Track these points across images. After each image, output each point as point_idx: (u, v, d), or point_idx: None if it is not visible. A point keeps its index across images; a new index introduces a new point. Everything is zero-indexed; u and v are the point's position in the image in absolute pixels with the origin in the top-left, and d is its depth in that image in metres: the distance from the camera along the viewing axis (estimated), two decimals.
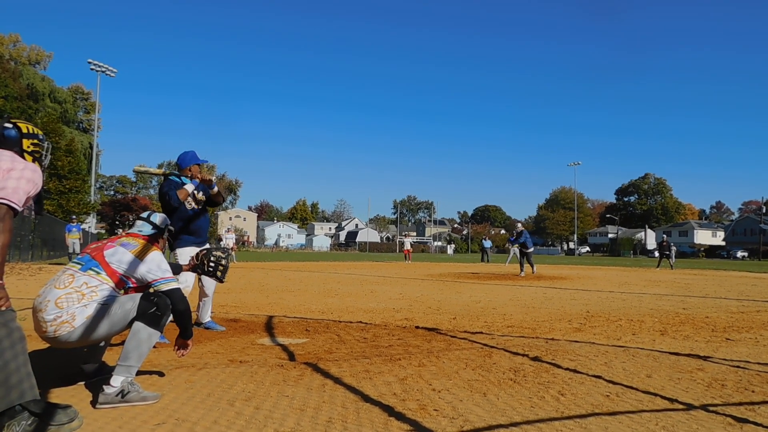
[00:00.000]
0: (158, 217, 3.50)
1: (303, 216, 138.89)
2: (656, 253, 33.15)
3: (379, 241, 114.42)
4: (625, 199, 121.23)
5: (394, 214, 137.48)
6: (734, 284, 14.71)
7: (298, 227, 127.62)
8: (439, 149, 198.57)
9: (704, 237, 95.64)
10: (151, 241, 3.33)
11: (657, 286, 13.26)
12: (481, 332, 5.71)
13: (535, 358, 4.33)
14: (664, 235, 34.09)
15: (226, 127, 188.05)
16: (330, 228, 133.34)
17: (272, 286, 11.57)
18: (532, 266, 17.46)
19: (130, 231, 3.40)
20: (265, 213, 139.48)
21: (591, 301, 9.37)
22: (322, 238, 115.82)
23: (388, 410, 2.90)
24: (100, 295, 2.96)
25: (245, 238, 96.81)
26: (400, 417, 2.79)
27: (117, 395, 2.88)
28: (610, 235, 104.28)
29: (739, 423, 2.78)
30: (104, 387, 2.91)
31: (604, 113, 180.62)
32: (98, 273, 3.02)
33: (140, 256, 3.14)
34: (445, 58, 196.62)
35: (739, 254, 71.01)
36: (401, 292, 10.52)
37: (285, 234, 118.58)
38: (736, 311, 8.00)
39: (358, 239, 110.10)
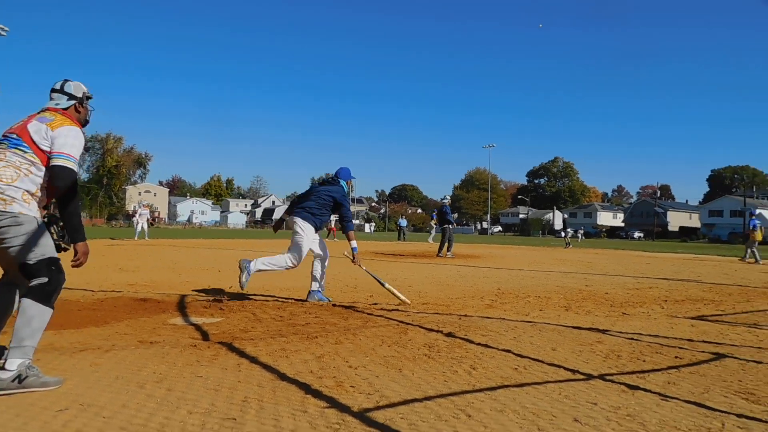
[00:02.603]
0: (72, 86, 3.28)
1: (217, 192, 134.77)
2: (563, 233, 35.13)
3: None
4: (536, 181, 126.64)
5: None
6: (631, 263, 15.82)
7: (213, 203, 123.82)
8: (356, 127, 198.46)
9: (606, 218, 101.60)
10: (68, 114, 3.19)
11: (563, 265, 14.02)
12: (397, 309, 5.81)
13: (449, 334, 4.46)
14: (564, 215, 36.39)
15: (138, 102, 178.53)
16: (246, 205, 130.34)
17: (185, 264, 11.19)
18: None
19: (47, 105, 3.20)
20: (177, 188, 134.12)
21: (502, 278, 9.76)
22: (237, 215, 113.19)
23: (305, 388, 2.91)
24: (33, 173, 2.92)
25: (156, 213, 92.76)
26: (317, 394, 2.80)
27: (14, 380, 2.68)
28: (521, 216, 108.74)
29: (632, 390, 3.01)
30: None
31: (518, 94, 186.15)
32: (25, 152, 2.94)
33: (54, 128, 3.02)
34: (367, 39, 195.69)
35: (636, 235, 76.23)
36: None
37: (198, 210, 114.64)
38: (632, 288, 8.61)
39: (274, 216, 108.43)
